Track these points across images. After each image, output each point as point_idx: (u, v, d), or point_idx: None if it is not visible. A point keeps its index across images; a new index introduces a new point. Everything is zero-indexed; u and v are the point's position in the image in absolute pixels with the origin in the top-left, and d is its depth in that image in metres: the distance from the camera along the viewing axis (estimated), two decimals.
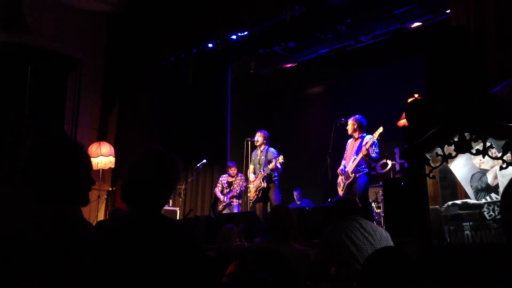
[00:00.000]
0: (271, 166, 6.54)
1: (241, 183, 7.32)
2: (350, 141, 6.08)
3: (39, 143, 1.69)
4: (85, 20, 7.98)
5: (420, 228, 2.39)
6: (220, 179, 7.62)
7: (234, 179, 7.43)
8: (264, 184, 6.63)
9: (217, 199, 7.51)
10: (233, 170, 7.47)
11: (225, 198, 7.31)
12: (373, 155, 5.70)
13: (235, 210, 7.28)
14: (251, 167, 6.99)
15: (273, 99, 10.19)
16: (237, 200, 7.38)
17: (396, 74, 8.28)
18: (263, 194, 6.71)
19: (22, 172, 1.65)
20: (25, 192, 1.63)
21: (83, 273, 1.51)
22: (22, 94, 6.81)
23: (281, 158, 6.51)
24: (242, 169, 7.33)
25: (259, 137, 6.87)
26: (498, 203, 2.35)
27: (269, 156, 6.74)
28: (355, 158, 5.77)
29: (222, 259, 3.48)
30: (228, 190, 7.37)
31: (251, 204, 7.00)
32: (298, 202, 8.47)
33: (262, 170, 6.69)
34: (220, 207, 7.34)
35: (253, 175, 6.90)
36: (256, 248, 3.33)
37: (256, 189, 6.70)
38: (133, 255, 1.56)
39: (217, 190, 7.53)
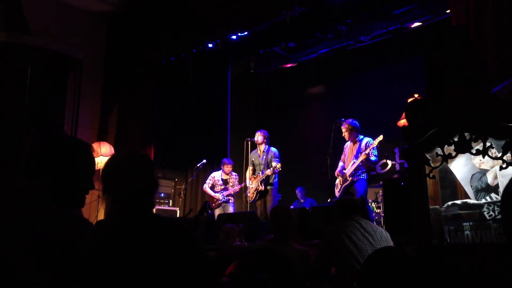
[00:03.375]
0: (269, 172, 6.54)
1: (236, 182, 7.32)
2: (348, 144, 6.12)
3: (48, 142, 1.68)
4: (85, 20, 7.98)
5: (420, 228, 2.39)
6: (212, 175, 7.53)
7: (228, 176, 7.40)
8: (261, 187, 6.64)
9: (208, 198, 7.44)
10: (228, 168, 7.42)
11: (221, 195, 7.28)
12: (372, 158, 5.77)
13: (231, 208, 7.27)
14: (250, 168, 6.97)
15: (273, 99, 10.19)
16: (232, 198, 7.37)
17: (396, 74, 8.28)
18: (261, 194, 6.71)
19: (25, 170, 1.65)
20: (26, 192, 1.63)
21: (83, 273, 1.51)
22: (22, 94, 6.81)
23: (278, 166, 6.51)
24: (242, 169, 7.32)
25: (258, 137, 6.88)
26: (498, 203, 2.35)
27: (270, 156, 6.73)
28: (354, 162, 5.81)
29: (222, 259, 3.48)
30: (223, 187, 7.33)
31: (248, 204, 7.01)
32: (302, 201, 8.47)
33: (261, 172, 6.68)
34: (214, 204, 7.28)
35: (249, 180, 6.88)
36: (256, 248, 3.34)
37: (254, 190, 6.71)
38: (133, 255, 1.56)
39: (207, 187, 7.42)
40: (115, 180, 1.74)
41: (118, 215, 1.72)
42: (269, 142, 6.99)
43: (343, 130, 6.02)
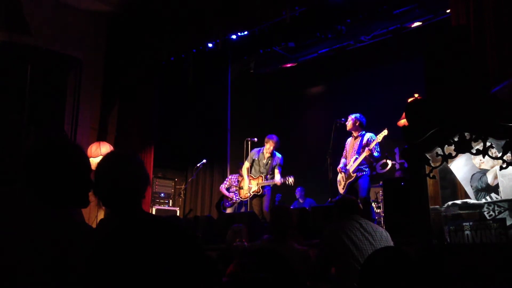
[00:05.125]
0: (278, 182, 6.41)
1: None
2: (349, 139, 6.11)
3: (39, 144, 1.69)
4: (85, 20, 7.98)
5: (420, 228, 2.39)
6: (230, 177, 7.71)
7: None
8: (262, 191, 6.58)
9: (222, 197, 7.57)
10: None
11: (234, 195, 7.36)
12: (375, 154, 5.74)
13: (242, 208, 7.35)
14: (246, 164, 6.76)
15: (273, 99, 10.19)
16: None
17: (396, 74, 8.28)
18: (256, 195, 6.66)
19: (22, 172, 1.65)
20: (26, 193, 1.63)
21: (82, 273, 1.51)
22: (22, 94, 6.80)
23: (291, 180, 6.42)
24: None
25: (270, 146, 6.56)
26: (498, 203, 2.35)
27: (275, 163, 6.62)
28: (356, 158, 5.79)
29: (225, 258, 3.49)
30: (237, 187, 7.43)
31: (248, 204, 7.00)
32: (301, 201, 8.48)
33: (264, 177, 6.58)
34: (228, 203, 7.39)
35: (246, 176, 6.75)
36: (256, 248, 3.34)
37: (253, 191, 6.61)
38: (132, 255, 1.56)
39: (223, 187, 7.58)
40: (102, 180, 1.74)
41: (113, 215, 1.72)
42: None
43: (349, 120, 6.00)
